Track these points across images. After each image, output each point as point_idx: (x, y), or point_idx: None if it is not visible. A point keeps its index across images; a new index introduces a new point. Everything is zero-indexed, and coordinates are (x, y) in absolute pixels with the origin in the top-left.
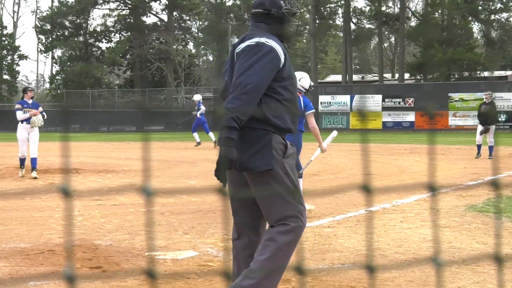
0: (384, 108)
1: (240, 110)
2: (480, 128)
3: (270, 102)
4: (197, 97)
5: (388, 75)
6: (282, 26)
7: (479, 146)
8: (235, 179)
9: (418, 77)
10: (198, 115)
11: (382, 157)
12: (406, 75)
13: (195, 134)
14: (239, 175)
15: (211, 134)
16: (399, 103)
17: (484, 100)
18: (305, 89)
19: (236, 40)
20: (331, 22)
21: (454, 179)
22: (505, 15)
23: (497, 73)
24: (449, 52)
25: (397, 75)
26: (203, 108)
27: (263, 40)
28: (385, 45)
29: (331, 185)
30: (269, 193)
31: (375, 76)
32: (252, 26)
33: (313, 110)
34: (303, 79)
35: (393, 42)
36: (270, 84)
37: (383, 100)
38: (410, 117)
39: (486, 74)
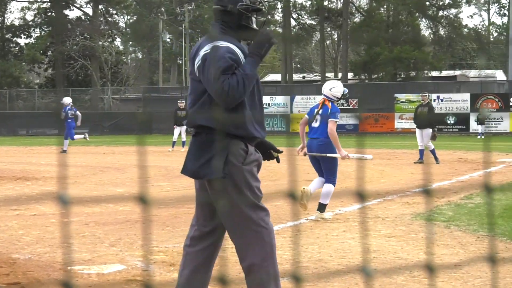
0: None
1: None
2: (418, 132)
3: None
4: (67, 100)
5: (330, 75)
6: (240, 24)
7: (421, 151)
8: (197, 186)
9: (363, 77)
10: (72, 121)
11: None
12: (350, 75)
13: (66, 141)
14: (200, 182)
15: (66, 142)
16: (342, 104)
17: (421, 101)
18: (337, 98)
19: (169, 36)
20: (269, 17)
21: (401, 186)
22: (453, 11)
23: (445, 73)
24: (396, 50)
25: (340, 75)
26: (79, 114)
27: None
28: (328, 42)
29: (269, 191)
30: (228, 204)
31: (316, 75)
32: (211, 27)
33: (337, 120)
34: (334, 89)
35: (336, 39)
36: None
37: None
38: (354, 119)
39: (434, 73)
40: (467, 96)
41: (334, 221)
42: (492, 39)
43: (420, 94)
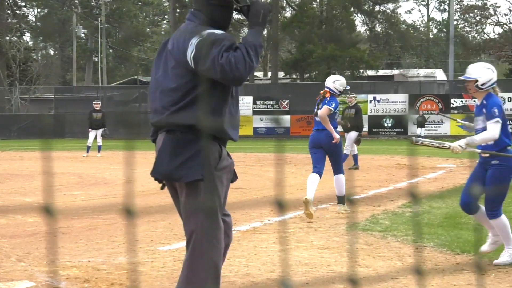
0: (255, 112)
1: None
2: (348, 136)
3: (210, 103)
4: None
5: (259, 74)
6: (215, 12)
7: (355, 156)
8: (169, 189)
9: (294, 76)
10: None
11: (253, 168)
12: (281, 74)
13: None
14: (171, 185)
15: None
16: (272, 106)
17: (348, 103)
18: (339, 91)
19: (83, 31)
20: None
21: (334, 193)
22: (391, 6)
23: (382, 72)
24: (329, 48)
25: (270, 74)
26: None
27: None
28: None
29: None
30: (193, 207)
31: None
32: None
33: (331, 108)
34: (338, 82)
35: (266, 35)
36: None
37: (254, 103)
38: (285, 122)
39: (370, 73)
40: (405, 97)
41: (263, 232)
42: (431, 36)
43: (347, 96)
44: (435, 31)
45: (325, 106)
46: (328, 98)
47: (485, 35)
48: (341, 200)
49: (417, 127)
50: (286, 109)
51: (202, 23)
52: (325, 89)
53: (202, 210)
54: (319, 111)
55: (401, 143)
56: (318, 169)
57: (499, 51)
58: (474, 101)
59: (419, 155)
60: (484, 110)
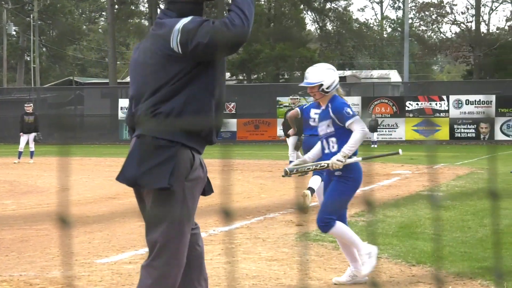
0: None
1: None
2: (289, 141)
3: (190, 103)
4: None
5: None
6: (187, 8)
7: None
8: (136, 195)
9: (241, 77)
10: None
11: None
12: (226, 75)
13: None
14: (137, 191)
15: None
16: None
17: (291, 105)
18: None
19: (14, 28)
20: (133, 7)
21: (284, 202)
22: (342, 3)
23: None
24: (278, 48)
25: None
26: None
27: None
28: None
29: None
30: (158, 216)
31: None
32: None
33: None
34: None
35: None
36: (199, 78)
37: None
38: (231, 126)
39: None
40: (358, 99)
41: (208, 243)
42: (385, 36)
43: (290, 97)
44: (389, 30)
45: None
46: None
47: (441, 35)
48: (311, 190)
49: (370, 131)
50: (233, 112)
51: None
52: None
53: (167, 219)
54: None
55: None
56: (318, 172)
57: (456, 51)
58: (430, 104)
59: (373, 161)
60: (332, 114)
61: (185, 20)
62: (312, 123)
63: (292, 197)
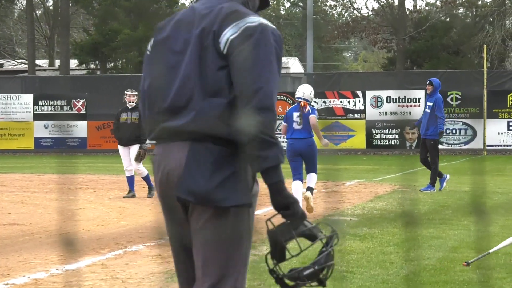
0: (37, 116)
1: (271, 128)
2: (122, 150)
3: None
4: None
5: (43, 62)
6: None
7: (129, 179)
8: (171, 212)
9: (93, 66)
10: None
11: (34, 196)
12: (73, 63)
13: None
14: (175, 207)
15: None
16: (61, 107)
17: (128, 104)
18: (313, 100)
19: None
20: None
21: (149, 231)
22: None
23: None
24: (142, 28)
25: (57, 62)
26: None
27: (263, 21)
28: (38, 12)
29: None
30: (222, 235)
31: (21, 63)
32: None
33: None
34: (312, 92)
35: (52, 8)
36: None
37: (36, 103)
38: (80, 130)
39: None
40: None
41: (49, 285)
42: (283, 13)
43: (128, 92)
44: (287, 5)
45: (313, 116)
46: (307, 108)
47: (355, 12)
48: (311, 190)
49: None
50: (82, 112)
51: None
52: (302, 101)
53: (235, 239)
54: (311, 120)
55: None
56: (299, 176)
57: (374, 34)
58: (341, 102)
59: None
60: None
61: (252, 22)
62: (296, 126)
63: (160, 224)
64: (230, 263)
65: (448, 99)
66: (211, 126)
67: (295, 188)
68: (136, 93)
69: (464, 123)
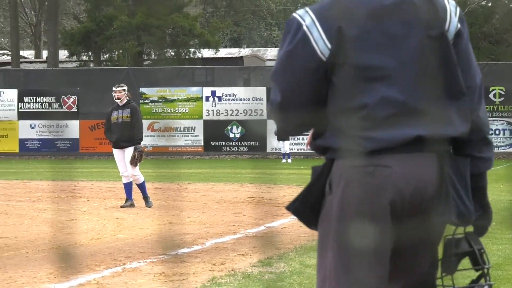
0: (23, 115)
1: None
2: (118, 153)
3: None
4: None
5: (29, 54)
6: None
7: (126, 186)
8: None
9: (85, 58)
10: None
11: (20, 205)
12: (63, 54)
13: None
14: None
15: None
16: (49, 105)
17: (116, 101)
18: None
19: None
20: None
21: (151, 245)
22: None
23: (225, 52)
24: (140, 14)
25: (45, 54)
26: None
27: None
28: None
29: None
30: None
31: (4, 54)
32: None
33: None
34: None
35: None
36: None
37: (20, 100)
38: (71, 131)
39: (206, 53)
40: (261, 91)
41: None
42: None
43: (114, 88)
44: None
45: None
46: None
47: None
48: None
49: (278, 139)
50: (73, 109)
51: None
52: None
53: None
54: None
55: (256, 163)
56: None
57: None
58: None
59: (284, 183)
60: None
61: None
62: None
63: (163, 237)
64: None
65: (490, 96)
66: None
67: None
68: (124, 88)
69: (509, 123)
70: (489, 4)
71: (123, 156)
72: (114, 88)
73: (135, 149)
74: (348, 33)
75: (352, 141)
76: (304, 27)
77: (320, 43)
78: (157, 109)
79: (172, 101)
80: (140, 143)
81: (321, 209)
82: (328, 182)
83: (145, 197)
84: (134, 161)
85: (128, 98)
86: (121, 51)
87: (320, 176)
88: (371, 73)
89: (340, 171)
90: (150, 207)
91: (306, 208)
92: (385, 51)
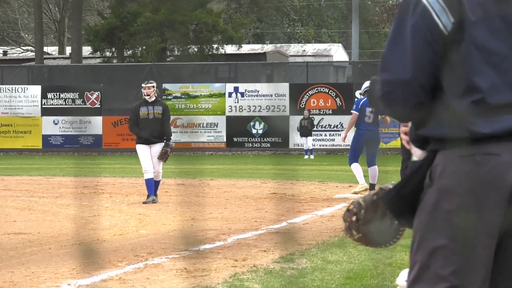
0: (46, 111)
1: None
2: (143, 149)
3: None
4: None
5: (52, 50)
6: None
7: (148, 181)
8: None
9: (109, 54)
10: None
11: (43, 201)
12: (86, 50)
13: None
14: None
15: None
16: (73, 101)
17: (146, 97)
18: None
19: None
20: None
21: (173, 241)
22: None
23: (248, 48)
24: (163, 10)
25: (69, 50)
26: None
27: None
28: None
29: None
30: None
31: (28, 50)
32: None
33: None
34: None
35: None
36: None
37: (44, 96)
38: (95, 126)
39: (229, 49)
40: (284, 87)
41: None
42: None
43: (143, 84)
44: None
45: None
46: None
47: None
48: (373, 187)
49: (301, 135)
50: (96, 106)
51: None
52: None
53: None
54: (385, 119)
55: (279, 159)
56: (357, 159)
57: None
58: None
59: (306, 179)
60: None
61: None
62: (367, 120)
63: (185, 233)
64: None
65: None
66: None
67: (358, 169)
68: (154, 84)
69: None
70: None
71: (149, 152)
72: (143, 85)
73: (166, 146)
74: (469, 9)
75: (459, 127)
76: (424, 1)
77: (443, 17)
78: (180, 105)
79: (195, 97)
80: (170, 140)
81: (417, 202)
82: (428, 173)
83: (156, 194)
84: (164, 157)
85: (156, 95)
86: (144, 47)
87: (420, 169)
88: (487, 56)
89: (444, 161)
90: (148, 203)
91: (400, 200)
92: (502, 37)
